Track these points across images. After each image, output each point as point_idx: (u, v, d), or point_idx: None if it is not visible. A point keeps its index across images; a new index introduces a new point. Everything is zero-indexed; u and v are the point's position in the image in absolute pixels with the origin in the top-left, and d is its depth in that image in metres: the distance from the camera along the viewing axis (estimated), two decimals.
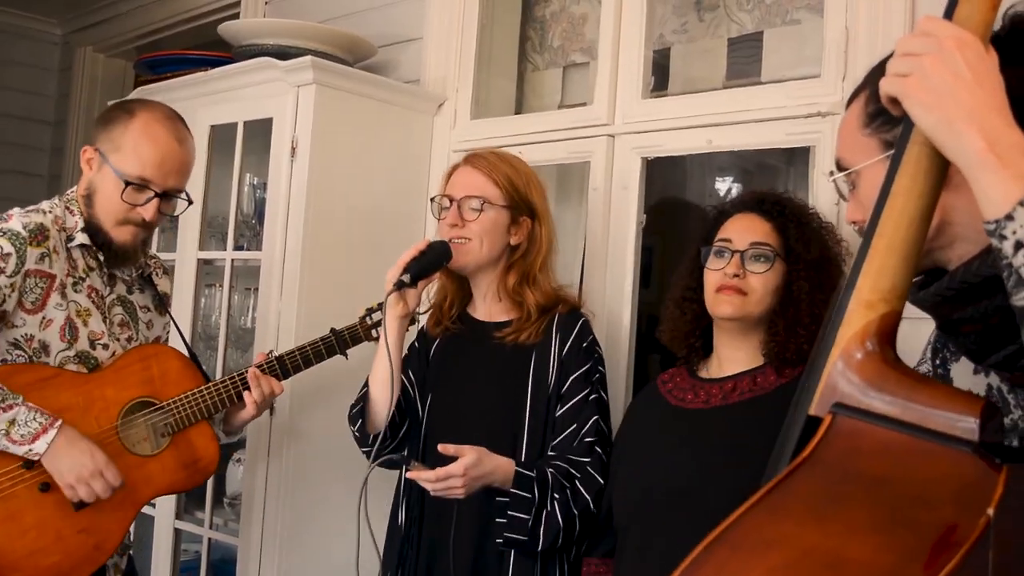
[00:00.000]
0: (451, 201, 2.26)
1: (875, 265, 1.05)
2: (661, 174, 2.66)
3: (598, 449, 2.12)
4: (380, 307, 2.37)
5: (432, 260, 2.16)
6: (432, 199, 2.36)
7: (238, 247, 3.04)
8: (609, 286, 2.65)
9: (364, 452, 2.24)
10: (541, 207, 2.31)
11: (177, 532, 3.03)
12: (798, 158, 3.61)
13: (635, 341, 2.65)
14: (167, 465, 2.25)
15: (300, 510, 2.80)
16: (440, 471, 1.96)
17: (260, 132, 2.99)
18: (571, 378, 2.17)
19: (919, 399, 0.99)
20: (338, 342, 2.39)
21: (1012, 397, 1.16)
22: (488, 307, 2.31)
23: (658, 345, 2.17)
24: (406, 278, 2.11)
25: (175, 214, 2.36)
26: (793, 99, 2.32)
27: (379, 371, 2.19)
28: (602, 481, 2.08)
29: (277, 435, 2.77)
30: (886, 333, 1.04)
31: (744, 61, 2.78)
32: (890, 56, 1.12)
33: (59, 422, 2.03)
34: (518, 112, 3.30)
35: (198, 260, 3.07)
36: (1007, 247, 0.94)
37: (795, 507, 0.95)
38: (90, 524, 2.12)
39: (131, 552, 2.39)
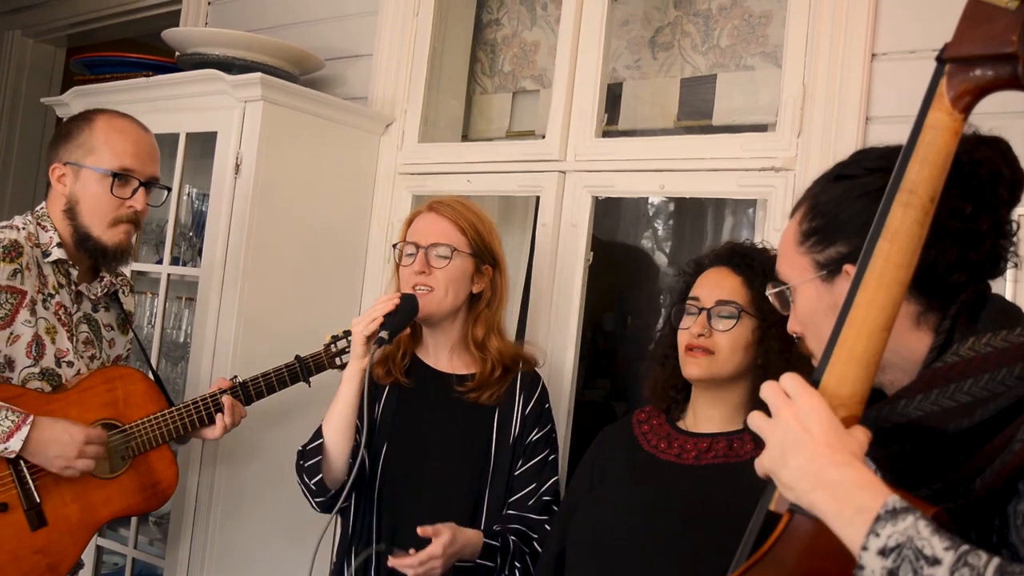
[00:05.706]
0: (417, 248, 2.22)
1: (836, 373, 1.08)
2: None
3: (555, 508, 2.15)
4: (346, 335, 2.35)
5: (406, 315, 2.13)
6: (394, 245, 2.32)
7: (174, 257, 2.97)
8: (553, 322, 2.64)
9: (319, 503, 2.18)
10: (501, 256, 2.31)
11: (99, 549, 2.96)
12: None
13: (577, 376, 2.65)
14: (126, 487, 2.23)
15: (234, 533, 2.75)
16: (422, 555, 1.93)
17: (200, 141, 2.93)
18: (531, 439, 2.20)
19: None
20: (302, 369, 2.37)
21: None
22: (449, 358, 2.29)
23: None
24: (385, 335, 2.07)
25: (159, 204, 2.38)
26: (748, 151, 2.34)
27: (335, 420, 2.14)
28: None
29: (209, 453, 2.71)
30: None
31: (696, 102, 2.79)
32: (832, 170, 1.23)
33: (31, 417, 2.01)
34: (465, 134, 3.27)
35: (132, 272, 2.98)
36: None
37: None
38: (46, 545, 2.11)
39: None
